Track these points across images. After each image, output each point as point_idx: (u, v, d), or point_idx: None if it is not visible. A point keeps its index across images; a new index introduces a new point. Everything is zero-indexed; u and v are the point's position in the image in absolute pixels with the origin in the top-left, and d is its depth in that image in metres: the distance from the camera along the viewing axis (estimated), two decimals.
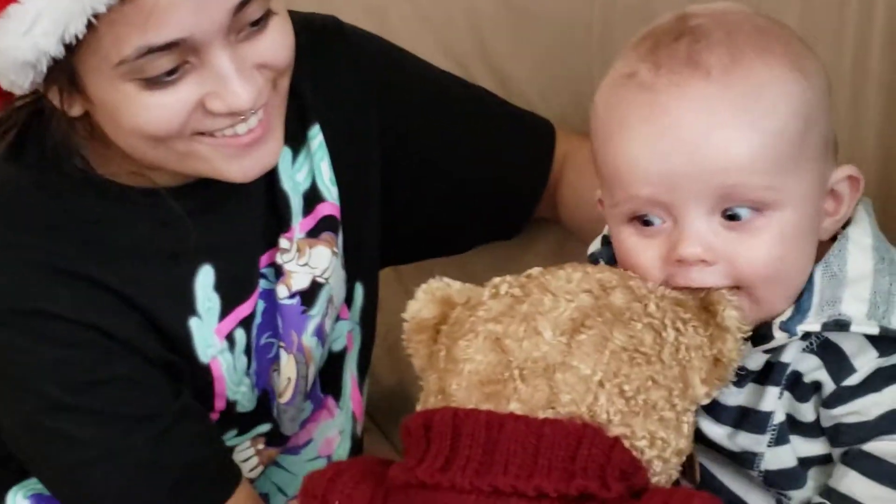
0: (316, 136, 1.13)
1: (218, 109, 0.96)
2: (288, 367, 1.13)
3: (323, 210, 1.13)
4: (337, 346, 1.20)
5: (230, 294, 1.08)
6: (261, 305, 1.11)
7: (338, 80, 1.14)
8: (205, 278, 1.07)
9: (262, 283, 1.11)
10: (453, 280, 0.94)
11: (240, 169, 1.01)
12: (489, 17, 1.34)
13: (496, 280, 0.91)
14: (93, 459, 1.03)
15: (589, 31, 1.28)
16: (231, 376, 1.09)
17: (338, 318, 1.18)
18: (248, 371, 1.11)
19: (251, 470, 1.18)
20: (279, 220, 1.10)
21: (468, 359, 0.87)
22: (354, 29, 1.19)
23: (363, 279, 1.20)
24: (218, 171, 1.01)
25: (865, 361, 0.90)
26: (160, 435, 1.03)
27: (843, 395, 0.91)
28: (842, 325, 0.89)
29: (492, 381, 0.86)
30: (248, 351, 1.10)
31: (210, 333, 1.07)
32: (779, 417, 0.94)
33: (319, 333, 1.14)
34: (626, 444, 0.84)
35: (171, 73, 0.94)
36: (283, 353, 1.13)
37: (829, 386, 0.91)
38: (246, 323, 1.10)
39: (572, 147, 1.25)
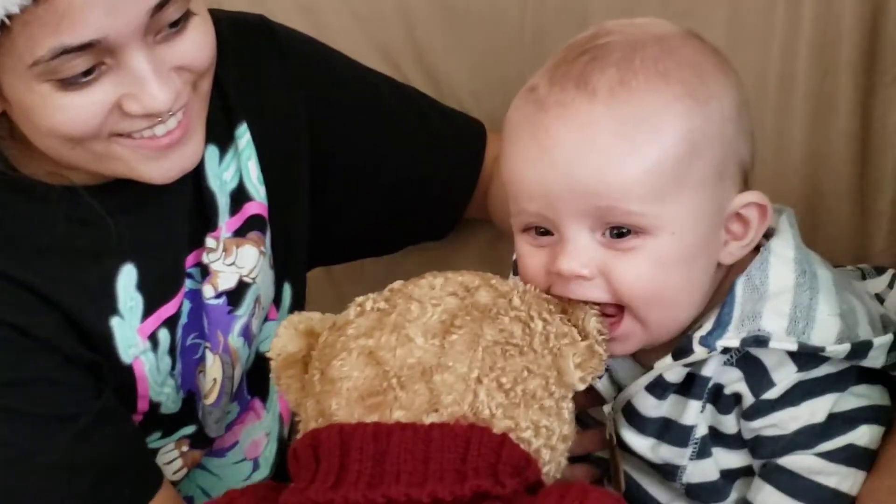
0: (243, 134, 1.11)
1: (134, 111, 0.94)
2: (213, 368, 1.12)
3: (250, 209, 1.12)
4: (265, 347, 1.17)
5: (153, 294, 1.06)
6: (186, 306, 1.09)
7: (265, 78, 1.13)
8: (127, 278, 1.05)
9: (189, 284, 1.09)
10: (313, 312, 0.94)
11: (158, 170, 0.99)
12: (423, 17, 1.33)
13: (359, 298, 0.91)
14: (9, 460, 1.01)
15: (521, 32, 1.28)
16: (154, 377, 1.08)
17: (266, 319, 1.17)
18: (172, 372, 1.09)
19: (175, 472, 1.16)
20: (205, 220, 1.09)
21: (345, 377, 0.86)
22: (283, 27, 1.17)
23: (291, 279, 1.18)
24: (136, 173, 0.99)
25: (784, 376, 0.90)
26: (79, 435, 1.01)
27: (763, 408, 0.91)
28: (761, 341, 0.89)
29: (372, 393, 0.85)
30: (172, 351, 1.09)
31: (132, 333, 1.05)
32: (701, 431, 0.94)
33: (246, 334, 1.13)
34: (513, 436, 0.84)
35: (86, 73, 0.91)
36: (208, 354, 1.11)
37: (748, 398, 0.91)
38: (170, 323, 1.08)
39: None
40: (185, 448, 1.15)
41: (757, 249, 0.93)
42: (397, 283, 0.90)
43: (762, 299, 0.90)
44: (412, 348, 0.85)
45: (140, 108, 0.94)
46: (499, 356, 0.85)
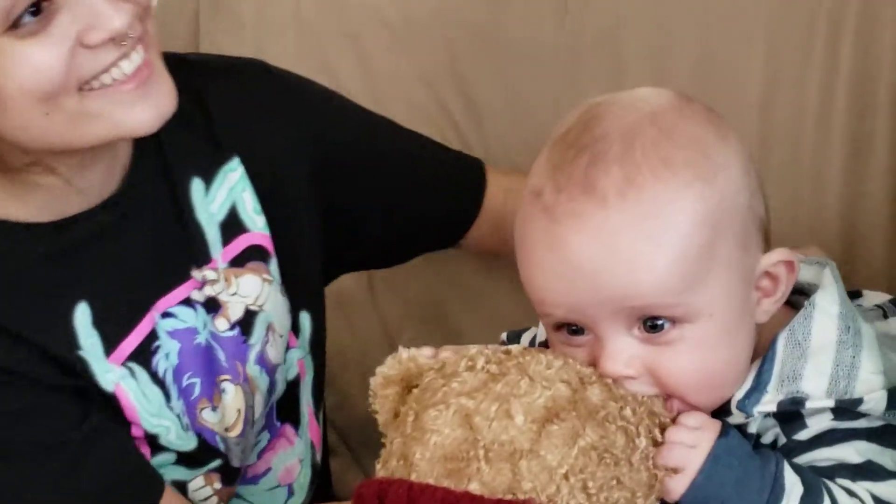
0: (236, 168, 1.06)
1: (96, 39, 0.89)
2: (236, 398, 1.06)
3: (249, 239, 1.06)
4: (290, 375, 1.13)
5: (109, 331, 1.00)
6: (175, 346, 1.03)
7: (263, 119, 1.08)
8: (82, 316, 0.99)
9: (189, 320, 1.03)
10: (420, 349, 0.88)
11: (140, 116, 0.93)
12: (464, 45, 1.28)
13: (473, 352, 0.84)
14: (8, 494, 0.96)
15: (556, 56, 1.22)
16: (143, 405, 1.01)
17: (288, 347, 1.11)
18: (168, 404, 1.03)
19: None
20: (192, 254, 1.03)
21: (436, 430, 0.81)
22: (282, 71, 1.12)
23: (308, 308, 1.12)
24: (118, 125, 0.93)
25: (818, 421, 0.84)
26: (74, 460, 0.96)
27: (797, 448, 0.85)
28: (798, 402, 0.83)
29: (456, 457, 0.80)
30: (157, 382, 1.02)
31: (104, 363, 1.00)
32: None
33: (262, 362, 1.07)
34: None
35: (34, 10, 0.87)
36: (229, 386, 1.05)
37: (781, 439, 0.86)
38: (137, 356, 1.01)
39: (515, 182, 1.16)
40: (217, 485, 1.09)
41: (795, 308, 0.87)
42: (515, 348, 0.85)
43: (804, 357, 0.84)
44: (509, 426, 0.79)
45: (101, 34, 0.89)
46: (593, 460, 0.79)
